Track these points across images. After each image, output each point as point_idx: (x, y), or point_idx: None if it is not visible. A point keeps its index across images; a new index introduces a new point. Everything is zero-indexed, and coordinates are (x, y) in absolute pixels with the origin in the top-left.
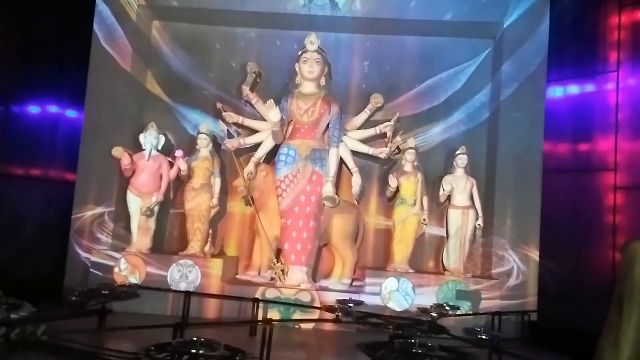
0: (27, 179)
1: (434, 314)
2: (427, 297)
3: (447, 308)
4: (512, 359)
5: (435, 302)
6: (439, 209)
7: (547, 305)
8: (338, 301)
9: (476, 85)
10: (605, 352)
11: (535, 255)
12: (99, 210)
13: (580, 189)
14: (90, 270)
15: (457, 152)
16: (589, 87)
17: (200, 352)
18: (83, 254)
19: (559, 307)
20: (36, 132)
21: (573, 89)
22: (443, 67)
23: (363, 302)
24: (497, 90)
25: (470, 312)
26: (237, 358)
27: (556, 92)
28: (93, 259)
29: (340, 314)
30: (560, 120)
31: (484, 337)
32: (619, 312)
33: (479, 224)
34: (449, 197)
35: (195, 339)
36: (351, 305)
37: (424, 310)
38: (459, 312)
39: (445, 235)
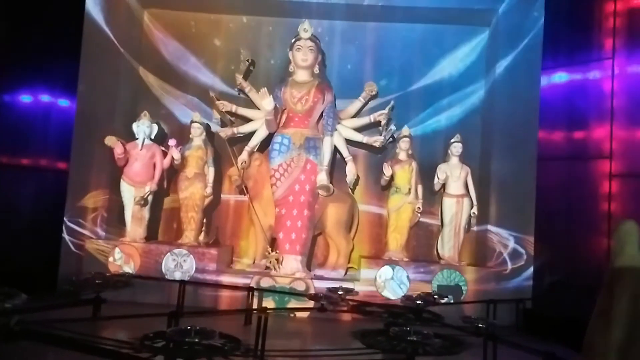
0: (19, 169)
1: (419, 302)
2: (422, 286)
3: (436, 297)
4: (508, 347)
5: (428, 291)
6: (433, 197)
7: (542, 293)
8: (328, 289)
9: (471, 73)
10: (596, 332)
11: (530, 243)
12: (92, 199)
13: (576, 177)
14: (84, 259)
15: (452, 141)
16: (585, 75)
17: (195, 340)
18: (77, 244)
19: (554, 294)
20: (28, 121)
21: (568, 77)
22: (437, 54)
23: (353, 289)
24: (492, 78)
25: (465, 300)
26: (233, 346)
27: (551, 79)
28: (87, 248)
29: (325, 303)
30: (556, 107)
31: (480, 325)
32: (610, 293)
33: (474, 212)
34: (443, 186)
35: (190, 327)
36: (340, 292)
37: (408, 298)
38: (455, 300)
39: (440, 223)
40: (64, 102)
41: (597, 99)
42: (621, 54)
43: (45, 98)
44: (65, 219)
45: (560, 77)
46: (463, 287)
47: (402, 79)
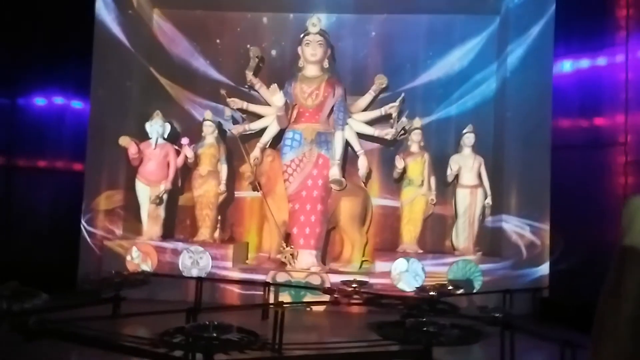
0: (35, 171)
1: (434, 293)
2: (437, 277)
3: (450, 288)
4: (525, 336)
5: (443, 282)
6: (446, 188)
7: (558, 281)
8: (342, 282)
9: (482, 62)
10: (606, 311)
11: (545, 232)
12: (108, 199)
13: (590, 165)
14: (103, 259)
15: (464, 131)
16: (598, 62)
17: (214, 335)
18: (94, 243)
19: (571, 283)
20: (43, 124)
21: (581, 64)
22: (448, 44)
23: (367, 282)
24: (504, 67)
25: (481, 291)
26: (251, 340)
27: (564, 67)
28: (104, 247)
29: (338, 296)
30: (569, 95)
31: (496, 314)
32: (619, 271)
33: (488, 203)
34: (456, 177)
35: (208, 322)
36: (355, 285)
37: (423, 290)
38: (471, 291)
39: (454, 214)
40: (77, 104)
41: (611, 86)
42: (635, 40)
43: (58, 101)
44: (82, 219)
45: (573, 64)
46: (478, 278)
47: (412, 70)
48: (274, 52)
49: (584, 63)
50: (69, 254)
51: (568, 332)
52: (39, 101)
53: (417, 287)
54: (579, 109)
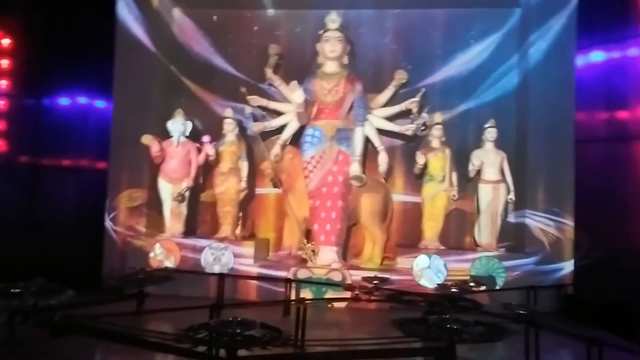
0: (60, 170)
1: (455, 290)
2: (459, 273)
3: (472, 284)
4: (550, 333)
5: (465, 279)
6: (468, 184)
7: (583, 278)
8: (363, 279)
9: (504, 56)
10: None
11: (570, 228)
12: (131, 197)
13: (615, 159)
14: (127, 255)
15: (486, 126)
16: (622, 53)
17: (238, 331)
18: (119, 241)
19: (596, 279)
20: (67, 123)
21: (604, 56)
22: (469, 39)
23: (388, 278)
24: (526, 60)
25: (505, 287)
26: (274, 336)
27: (587, 59)
28: (128, 245)
29: (359, 292)
30: (592, 88)
31: (520, 311)
32: None
33: (511, 198)
34: (478, 172)
35: (231, 319)
36: (376, 282)
37: (444, 287)
38: (494, 288)
39: (476, 210)
40: (100, 104)
41: (635, 77)
42: None
43: (82, 100)
44: (106, 217)
45: (596, 56)
46: (502, 274)
47: (432, 65)
48: (293, 49)
49: (607, 55)
50: (94, 251)
51: (594, 330)
52: (63, 101)
53: (438, 284)
54: (603, 102)
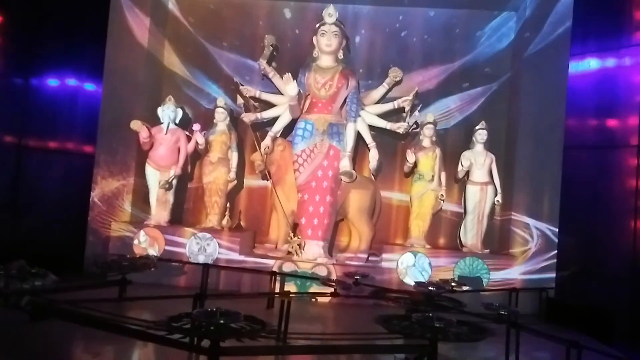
0: (46, 152)
1: (432, 288)
2: (443, 273)
3: (453, 284)
4: (530, 335)
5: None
6: (457, 184)
7: (565, 282)
8: (345, 274)
9: (497, 58)
10: None
11: (554, 232)
12: (118, 183)
13: (602, 166)
14: (110, 242)
15: (477, 127)
16: (614, 62)
17: (221, 322)
18: (103, 226)
19: (577, 284)
20: (55, 105)
21: (597, 63)
22: (463, 40)
23: (369, 275)
24: (519, 64)
25: (488, 288)
26: (257, 328)
27: (579, 66)
28: (112, 231)
29: (338, 288)
30: (584, 95)
31: (502, 312)
32: None
33: (498, 200)
34: (467, 173)
35: (215, 309)
36: (357, 277)
37: (421, 285)
38: (477, 288)
39: (463, 211)
40: (90, 86)
41: (626, 87)
42: None
43: (71, 82)
44: (91, 201)
45: (589, 63)
46: (485, 275)
47: (426, 64)
48: (288, 41)
49: (600, 63)
50: (78, 236)
51: (574, 333)
52: (52, 82)
53: (415, 282)
54: (594, 109)
